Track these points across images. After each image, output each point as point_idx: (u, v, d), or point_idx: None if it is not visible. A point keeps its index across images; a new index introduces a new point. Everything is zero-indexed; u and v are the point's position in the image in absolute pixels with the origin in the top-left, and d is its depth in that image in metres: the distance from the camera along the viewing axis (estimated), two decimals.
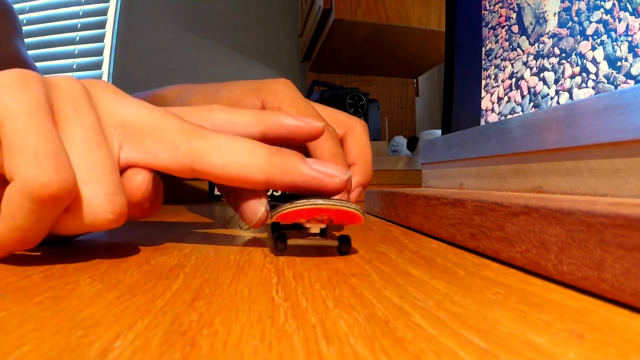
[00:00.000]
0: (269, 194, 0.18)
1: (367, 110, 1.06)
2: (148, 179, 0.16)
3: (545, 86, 0.27)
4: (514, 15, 0.31)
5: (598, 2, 0.23)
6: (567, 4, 0.25)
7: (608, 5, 0.22)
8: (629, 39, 0.20)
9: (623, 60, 0.20)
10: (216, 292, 0.11)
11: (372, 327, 0.09)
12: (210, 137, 0.17)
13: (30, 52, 0.61)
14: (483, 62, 0.34)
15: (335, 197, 0.17)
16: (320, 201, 0.16)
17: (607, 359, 0.07)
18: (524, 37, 0.29)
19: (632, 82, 0.20)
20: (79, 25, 1.30)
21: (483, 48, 0.34)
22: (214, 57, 1.38)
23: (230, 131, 0.19)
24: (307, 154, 0.25)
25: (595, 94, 0.22)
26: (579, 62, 0.24)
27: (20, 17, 1.05)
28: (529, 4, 0.29)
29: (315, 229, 0.17)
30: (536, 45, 0.28)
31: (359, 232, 0.25)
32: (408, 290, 0.12)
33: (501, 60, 0.32)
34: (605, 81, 0.22)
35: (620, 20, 0.21)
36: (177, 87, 0.31)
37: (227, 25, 1.40)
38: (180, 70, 1.34)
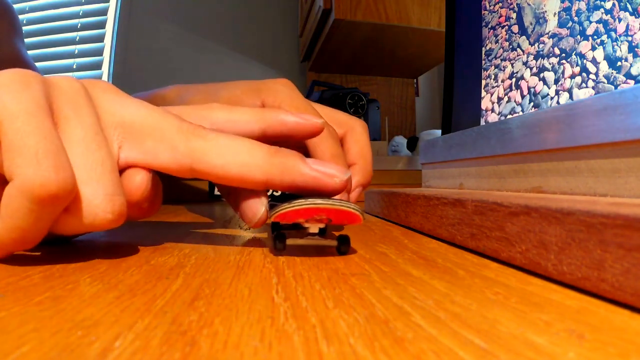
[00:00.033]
0: (269, 193, 0.18)
1: (367, 110, 1.06)
2: (147, 179, 0.16)
3: (545, 86, 0.27)
4: (514, 15, 0.31)
5: (598, 2, 0.23)
6: (567, 4, 0.25)
7: (608, 5, 0.22)
8: (629, 39, 0.20)
9: (623, 60, 0.20)
10: (216, 292, 0.11)
11: (372, 327, 0.09)
12: (210, 136, 0.17)
13: (30, 52, 0.61)
14: (483, 62, 0.34)
15: (335, 197, 0.17)
16: (319, 201, 0.16)
17: (607, 359, 0.07)
18: (524, 37, 0.29)
19: (632, 82, 0.20)
20: (79, 25, 1.30)
21: (483, 48, 0.34)
22: (214, 57, 1.38)
23: (230, 129, 0.19)
24: (307, 154, 0.25)
25: (595, 94, 0.22)
26: (579, 62, 0.24)
27: (20, 17, 1.05)
28: (529, 4, 0.29)
29: (314, 228, 0.17)
30: (536, 45, 0.28)
31: (358, 232, 0.25)
32: (408, 290, 0.12)
33: (501, 60, 0.32)
34: (605, 81, 0.22)
35: (620, 20, 0.21)
36: (177, 87, 0.31)
37: (227, 25, 1.40)
38: (180, 70, 1.34)
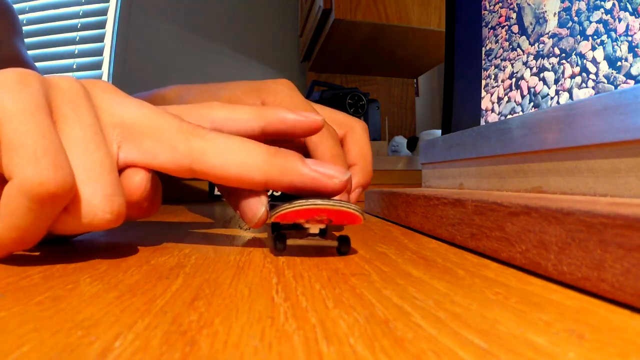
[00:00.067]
0: (269, 193, 0.18)
1: (367, 110, 1.06)
2: (147, 179, 0.16)
3: (545, 86, 0.27)
4: (514, 15, 0.31)
5: (598, 2, 0.23)
6: (567, 4, 0.25)
7: (608, 5, 0.22)
8: (629, 39, 0.20)
9: (623, 60, 0.20)
10: (216, 292, 0.11)
11: (372, 327, 0.09)
12: (209, 137, 0.17)
13: (30, 52, 0.61)
14: (483, 62, 0.34)
15: (336, 197, 0.17)
16: (319, 201, 0.16)
17: (607, 359, 0.07)
18: (524, 37, 0.29)
19: (632, 82, 0.20)
20: (79, 25, 1.30)
21: (483, 48, 0.34)
22: (214, 57, 1.38)
23: (230, 128, 0.19)
24: (307, 154, 0.25)
25: (595, 94, 0.22)
26: (579, 62, 0.24)
27: (20, 17, 1.05)
28: (529, 4, 0.29)
29: (314, 229, 0.17)
30: (536, 45, 0.28)
31: (359, 232, 0.25)
32: (408, 290, 0.12)
33: (501, 60, 0.32)
34: (605, 81, 0.22)
35: (620, 20, 0.21)
36: (178, 87, 0.31)
37: (227, 25, 1.40)
38: (180, 70, 1.34)
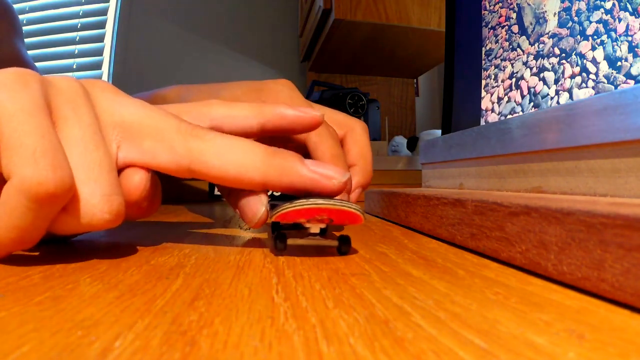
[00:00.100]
0: (269, 193, 0.18)
1: (367, 110, 1.06)
2: (146, 179, 0.16)
3: (545, 86, 0.27)
4: (514, 15, 0.31)
5: (598, 2, 0.23)
6: (567, 4, 0.25)
7: (608, 5, 0.22)
8: (629, 39, 0.20)
9: (623, 60, 0.20)
10: (216, 292, 0.11)
11: (372, 327, 0.09)
12: (208, 137, 0.17)
13: (30, 52, 0.61)
14: (483, 62, 0.34)
15: (336, 197, 0.17)
16: (320, 201, 0.16)
17: (607, 359, 0.07)
18: (524, 37, 0.29)
19: (632, 82, 0.20)
20: (79, 25, 1.30)
21: (483, 48, 0.34)
22: (214, 57, 1.38)
23: (229, 125, 0.19)
24: (306, 155, 0.25)
25: (595, 94, 0.22)
26: (579, 62, 0.24)
27: (20, 17, 1.05)
28: (529, 4, 0.29)
29: (315, 228, 0.17)
30: (536, 45, 0.28)
31: (359, 232, 0.25)
32: (408, 290, 0.12)
33: (501, 60, 0.32)
34: (605, 81, 0.22)
35: (620, 20, 0.21)
36: (178, 87, 0.31)
37: (227, 25, 1.40)
38: (180, 70, 1.34)
